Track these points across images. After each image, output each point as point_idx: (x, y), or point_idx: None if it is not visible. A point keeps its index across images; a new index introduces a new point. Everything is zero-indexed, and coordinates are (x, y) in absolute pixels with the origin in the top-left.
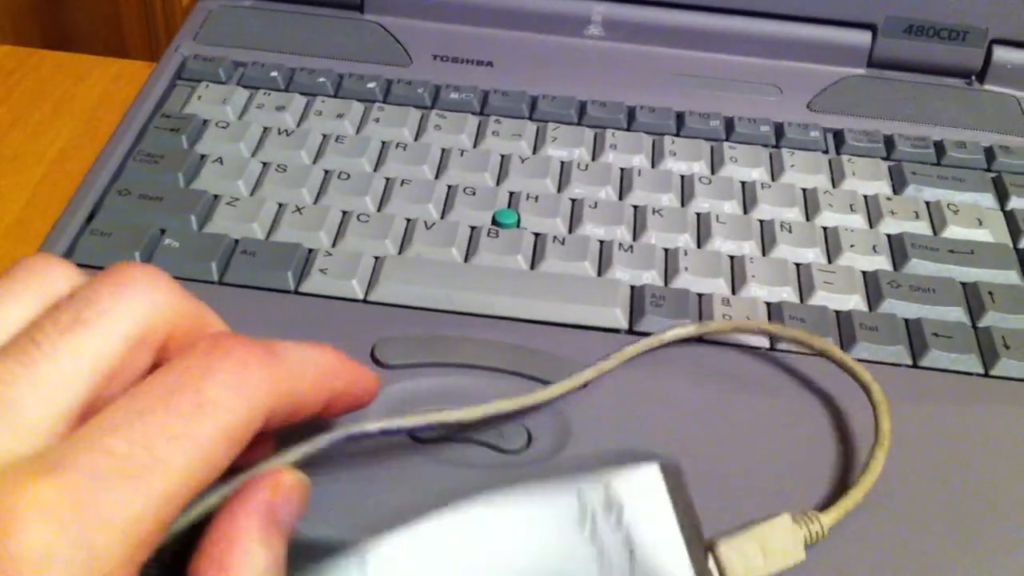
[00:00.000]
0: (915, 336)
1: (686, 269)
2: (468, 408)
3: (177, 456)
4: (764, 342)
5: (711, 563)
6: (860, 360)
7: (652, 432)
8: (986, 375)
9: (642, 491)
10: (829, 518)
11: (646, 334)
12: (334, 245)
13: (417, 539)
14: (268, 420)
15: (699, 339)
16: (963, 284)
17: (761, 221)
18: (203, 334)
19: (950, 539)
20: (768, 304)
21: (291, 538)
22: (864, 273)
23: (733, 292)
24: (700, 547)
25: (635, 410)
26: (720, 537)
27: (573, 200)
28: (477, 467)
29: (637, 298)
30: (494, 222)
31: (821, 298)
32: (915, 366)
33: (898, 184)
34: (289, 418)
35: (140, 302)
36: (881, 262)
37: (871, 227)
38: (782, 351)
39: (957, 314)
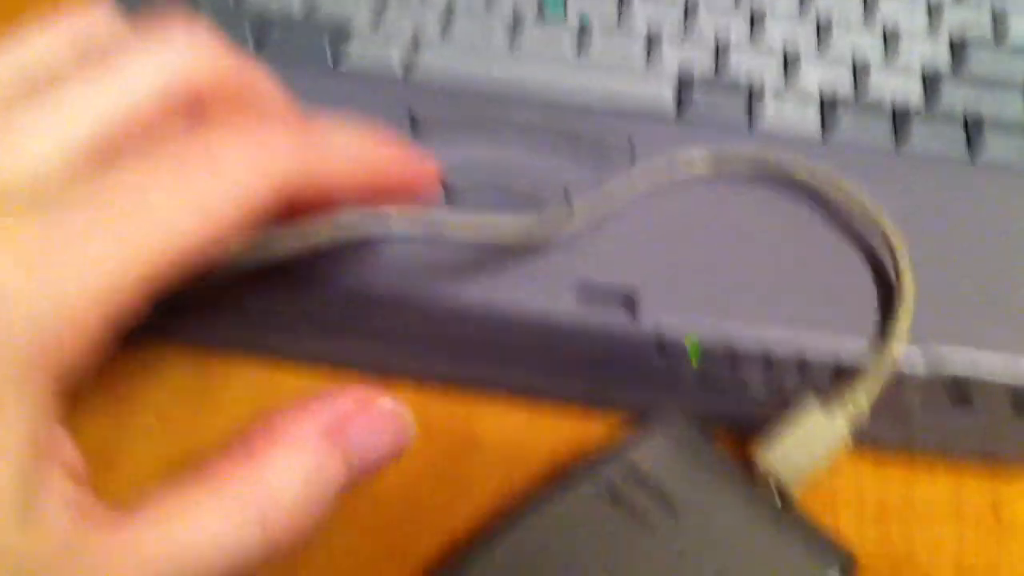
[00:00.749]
0: (974, 129)
1: (738, 57)
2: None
3: (177, 215)
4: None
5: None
6: (911, 153)
7: (657, 261)
8: None
9: (658, 455)
10: (863, 400)
11: (694, 118)
12: (374, 21)
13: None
14: (293, 197)
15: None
16: None
17: (818, 10)
18: (247, 98)
19: None
20: (821, 97)
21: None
22: (923, 67)
23: (785, 83)
24: (738, 469)
25: (646, 237)
26: (756, 450)
27: None
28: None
29: (685, 85)
30: (540, 7)
31: (875, 89)
32: (972, 163)
33: None
34: (320, 200)
35: (175, 55)
36: (942, 53)
37: (931, 22)
38: (800, 184)
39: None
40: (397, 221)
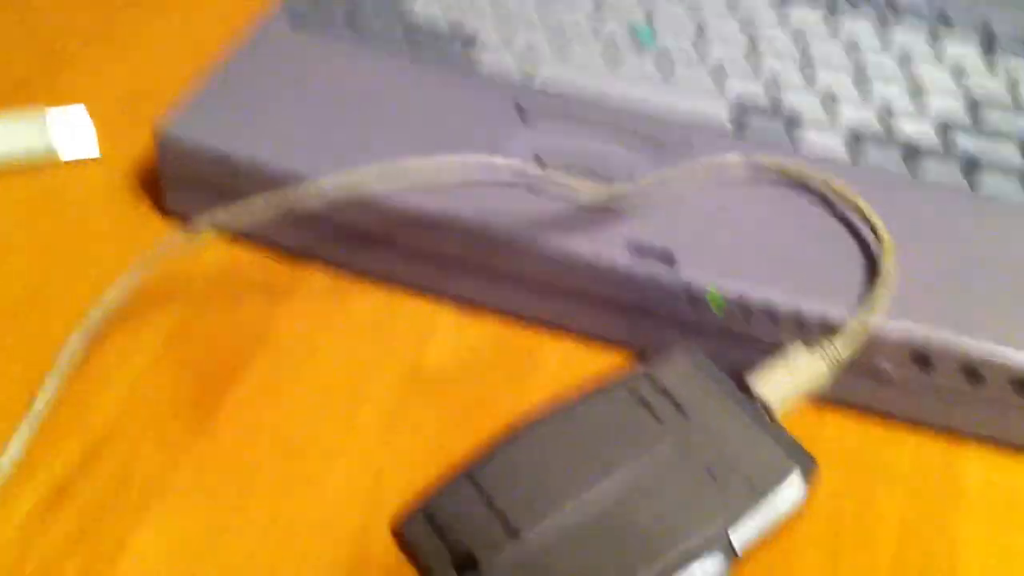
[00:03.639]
0: (974, 169)
1: (788, 93)
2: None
3: None
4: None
5: (751, 395)
6: (922, 179)
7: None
8: None
9: (676, 371)
10: (844, 348)
11: (745, 132)
12: (501, 36)
13: (511, 454)
14: None
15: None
16: None
17: (861, 62)
18: None
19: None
20: (851, 128)
21: None
22: (941, 116)
23: (825, 117)
24: (737, 389)
25: (688, 214)
26: (750, 374)
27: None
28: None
29: (743, 111)
30: (634, 36)
31: (898, 131)
32: (972, 190)
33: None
34: None
35: None
36: (958, 109)
37: (956, 82)
38: (816, 188)
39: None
40: (501, 169)
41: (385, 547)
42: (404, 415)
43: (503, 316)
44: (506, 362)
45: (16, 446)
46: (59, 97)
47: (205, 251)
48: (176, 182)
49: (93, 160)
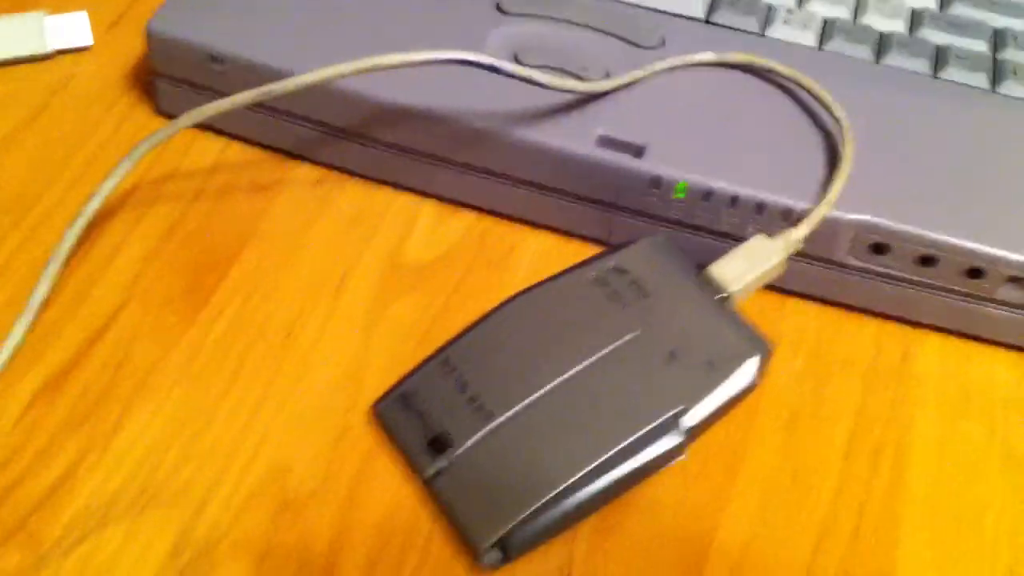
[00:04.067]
0: (940, 55)
1: None
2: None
3: None
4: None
5: (710, 281)
6: (889, 66)
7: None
8: (992, 91)
9: (641, 257)
10: (800, 232)
11: (718, 24)
12: None
13: (482, 336)
14: None
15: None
16: (995, 28)
17: None
18: None
19: None
20: (824, 18)
21: None
22: (912, 9)
23: (799, 5)
24: (698, 275)
25: (658, 108)
26: (710, 263)
27: None
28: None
29: (715, 2)
30: None
31: (869, 19)
32: (934, 77)
33: None
34: None
35: None
36: (929, 2)
37: None
38: (785, 81)
39: (981, 46)
40: (487, 58)
41: (365, 429)
42: (386, 304)
43: (482, 211)
44: (485, 255)
45: (18, 333)
46: (60, 4)
47: (197, 150)
48: (168, 81)
49: (90, 61)
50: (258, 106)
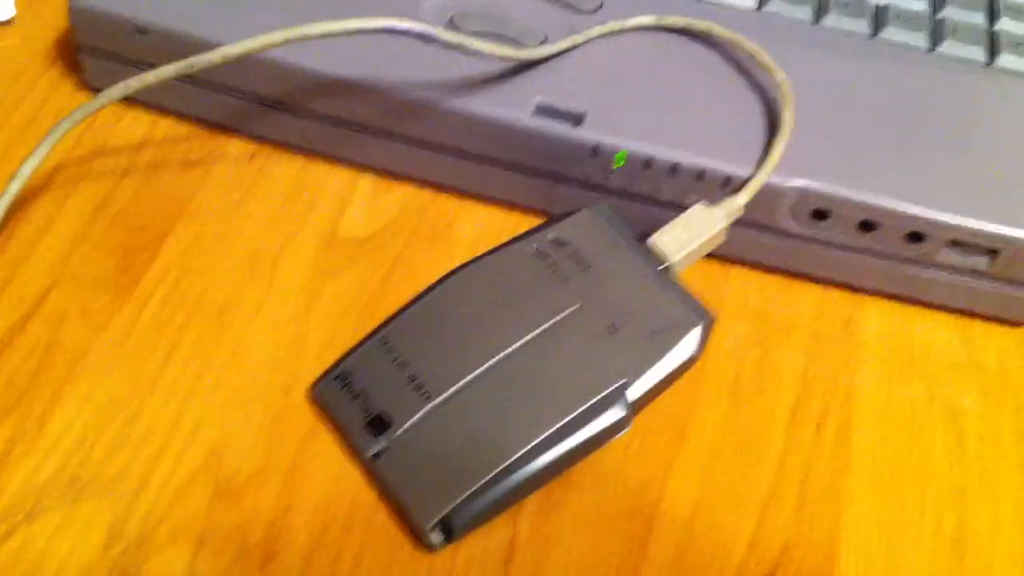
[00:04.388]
0: (879, 15)
1: None
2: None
3: None
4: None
5: (651, 251)
6: (829, 27)
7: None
8: (931, 51)
9: (582, 228)
10: (740, 200)
11: None
12: None
13: (421, 313)
14: None
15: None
16: None
17: None
18: None
19: None
20: None
21: None
22: None
23: None
24: (639, 246)
25: (597, 74)
26: (652, 233)
27: None
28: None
29: None
30: None
31: None
32: (873, 37)
33: None
34: None
35: None
36: None
37: None
38: (724, 45)
39: (921, 6)
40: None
41: (304, 409)
42: (323, 281)
43: (421, 184)
44: (423, 228)
45: None
46: None
47: (126, 125)
48: (93, 54)
49: (12, 34)
50: (187, 78)
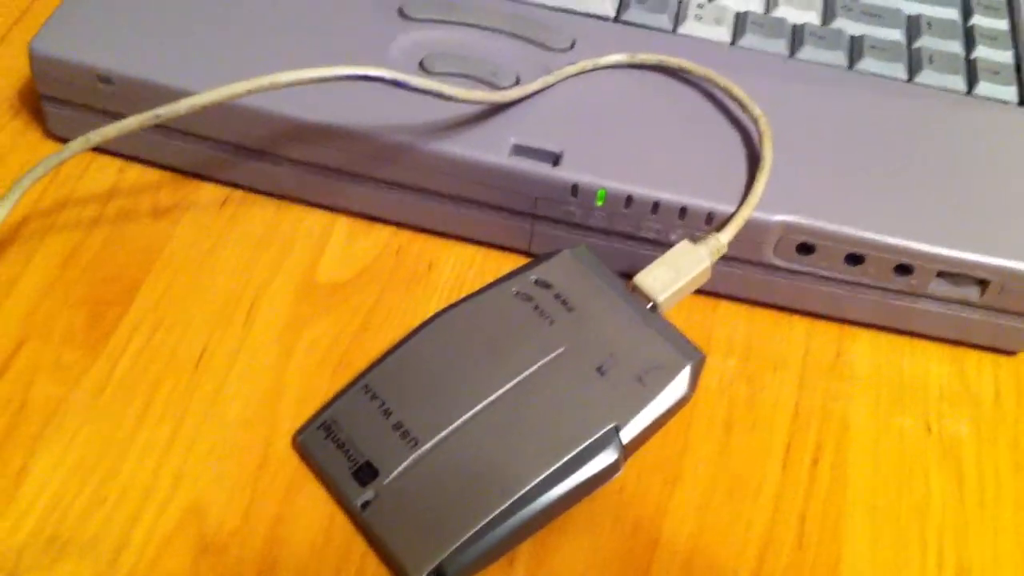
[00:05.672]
0: (855, 46)
1: None
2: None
3: None
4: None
5: (636, 291)
6: (805, 60)
7: (579, 130)
8: (909, 81)
9: (563, 269)
10: (725, 236)
11: (629, 23)
12: None
13: (404, 359)
14: None
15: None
16: (908, 15)
17: None
18: None
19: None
20: (736, 13)
21: None
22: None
23: (708, 3)
24: (624, 286)
25: (572, 113)
26: (636, 273)
27: None
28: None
29: (625, 1)
30: None
31: (782, 11)
32: (850, 69)
33: None
34: None
35: None
36: None
37: None
38: (700, 80)
39: (896, 35)
40: (391, 73)
41: (286, 461)
42: (300, 328)
43: (399, 225)
44: (402, 271)
45: None
46: None
47: (93, 174)
48: (57, 104)
49: None
50: (155, 127)
